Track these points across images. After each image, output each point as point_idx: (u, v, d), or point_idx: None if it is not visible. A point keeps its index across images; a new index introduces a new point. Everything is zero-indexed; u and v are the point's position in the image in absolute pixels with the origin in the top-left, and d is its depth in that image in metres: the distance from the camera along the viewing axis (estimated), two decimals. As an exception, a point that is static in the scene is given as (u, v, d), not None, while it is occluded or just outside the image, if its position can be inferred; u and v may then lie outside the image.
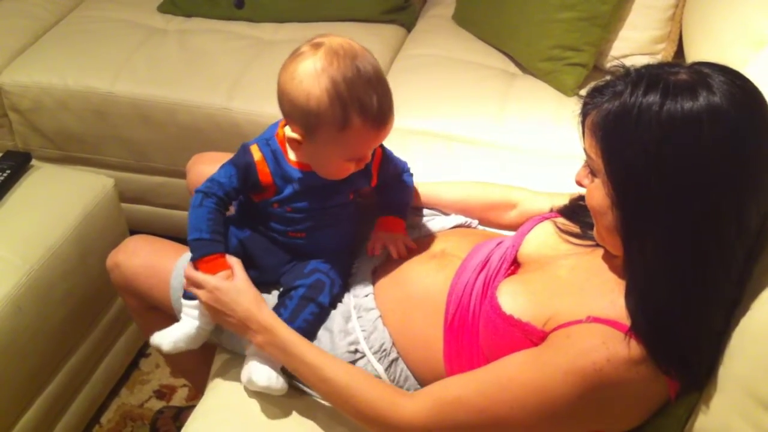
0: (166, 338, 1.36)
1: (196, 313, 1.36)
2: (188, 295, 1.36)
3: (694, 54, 1.80)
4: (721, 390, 1.05)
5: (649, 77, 1.01)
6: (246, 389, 1.35)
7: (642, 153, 0.99)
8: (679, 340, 1.04)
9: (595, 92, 1.07)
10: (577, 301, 1.12)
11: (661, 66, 1.04)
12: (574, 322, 1.09)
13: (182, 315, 1.38)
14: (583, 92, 1.11)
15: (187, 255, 1.41)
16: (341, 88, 1.18)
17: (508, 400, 1.09)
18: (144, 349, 2.13)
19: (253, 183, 1.33)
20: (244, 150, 1.34)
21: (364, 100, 1.20)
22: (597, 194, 1.08)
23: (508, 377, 1.10)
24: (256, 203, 1.37)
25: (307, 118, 1.21)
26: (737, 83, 1.00)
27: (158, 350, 1.39)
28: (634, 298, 1.06)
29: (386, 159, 1.41)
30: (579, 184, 1.13)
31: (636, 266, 1.07)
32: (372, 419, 1.19)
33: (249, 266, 1.36)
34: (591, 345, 1.05)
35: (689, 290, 1.03)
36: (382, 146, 1.39)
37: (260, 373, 1.31)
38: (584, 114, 1.08)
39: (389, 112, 1.25)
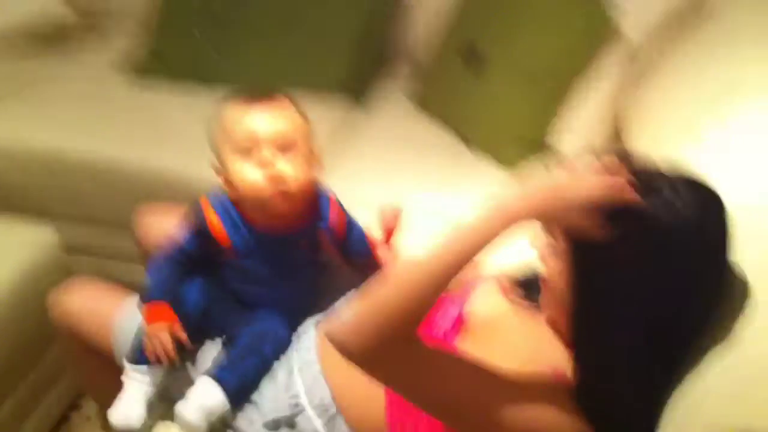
0: (131, 412, 1.35)
1: (145, 378, 1.36)
2: (136, 359, 1.36)
3: (634, 138, 1.86)
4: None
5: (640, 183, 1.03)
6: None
7: (602, 246, 1.03)
8: (616, 414, 1.07)
9: None
10: (536, 359, 1.15)
11: (639, 167, 1.07)
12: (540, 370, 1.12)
13: (128, 382, 1.37)
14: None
15: (133, 300, 1.43)
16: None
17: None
18: (75, 401, 2.08)
19: (211, 244, 1.35)
20: (198, 212, 1.36)
21: (237, 92, 1.33)
22: (558, 275, 1.11)
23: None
24: (212, 257, 1.38)
25: (209, 141, 1.33)
26: (707, 199, 1.05)
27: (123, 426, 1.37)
28: (576, 368, 1.10)
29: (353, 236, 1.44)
30: (542, 261, 1.16)
31: (578, 340, 1.11)
32: None
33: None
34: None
35: (628, 371, 1.06)
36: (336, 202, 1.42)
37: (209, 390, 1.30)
38: None
39: (266, 96, 1.32)
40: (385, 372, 1.11)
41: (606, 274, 1.04)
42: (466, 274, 1.38)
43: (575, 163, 1.08)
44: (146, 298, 1.36)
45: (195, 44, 2.46)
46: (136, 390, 1.36)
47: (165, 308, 1.35)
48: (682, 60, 1.89)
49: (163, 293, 1.36)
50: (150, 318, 1.34)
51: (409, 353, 1.08)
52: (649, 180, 1.03)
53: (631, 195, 1.01)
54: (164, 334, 1.33)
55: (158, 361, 1.35)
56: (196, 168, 2.07)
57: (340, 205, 1.44)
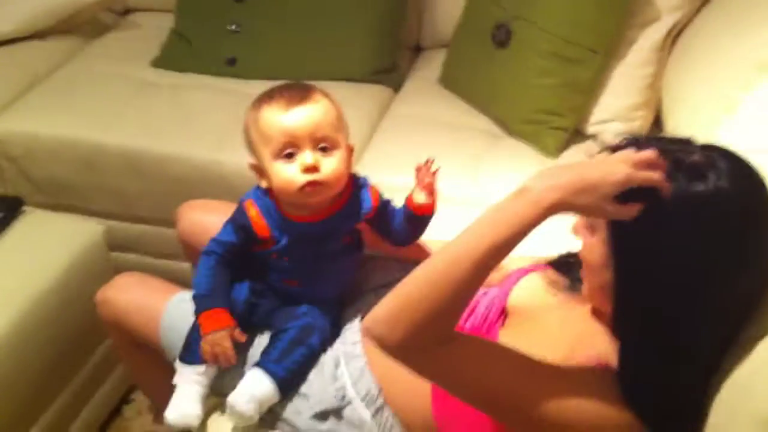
0: (187, 410, 1.37)
1: (197, 377, 1.38)
2: (189, 360, 1.39)
3: (672, 121, 1.87)
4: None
5: (668, 156, 1.03)
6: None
7: (649, 227, 1.03)
8: (660, 402, 1.07)
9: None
10: (581, 348, 1.15)
11: (672, 142, 1.08)
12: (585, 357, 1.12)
13: (181, 382, 1.39)
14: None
15: (180, 295, 1.46)
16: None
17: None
18: (127, 395, 2.12)
19: (252, 238, 1.37)
20: (239, 208, 1.39)
21: (271, 91, 1.34)
22: (594, 251, 1.11)
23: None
24: (255, 254, 1.40)
25: (246, 140, 1.35)
26: (744, 170, 1.04)
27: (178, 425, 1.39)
28: (619, 356, 1.10)
29: (386, 210, 1.43)
30: (575, 234, 1.15)
31: (623, 326, 1.10)
32: None
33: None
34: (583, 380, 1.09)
35: (675, 356, 1.06)
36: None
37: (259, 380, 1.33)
38: None
39: (298, 97, 1.32)
40: (424, 365, 1.11)
41: (647, 251, 1.04)
42: (504, 266, 1.40)
43: (606, 150, 1.08)
44: (202, 306, 1.37)
45: (224, 36, 2.49)
46: (190, 389, 1.38)
47: (222, 314, 1.36)
48: (715, 37, 1.88)
49: (219, 299, 1.38)
50: (209, 326, 1.35)
51: (448, 347, 1.08)
52: (686, 155, 1.03)
53: (660, 179, 1.00)
54: (226, 341, 1.35)
55: (217, 363, 1.38)
56: (232, 160, 2.11)
57: (379, 193, 1.44)
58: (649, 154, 1.01)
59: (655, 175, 1.00)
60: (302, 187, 1.31)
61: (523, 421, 1.10)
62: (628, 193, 1.00)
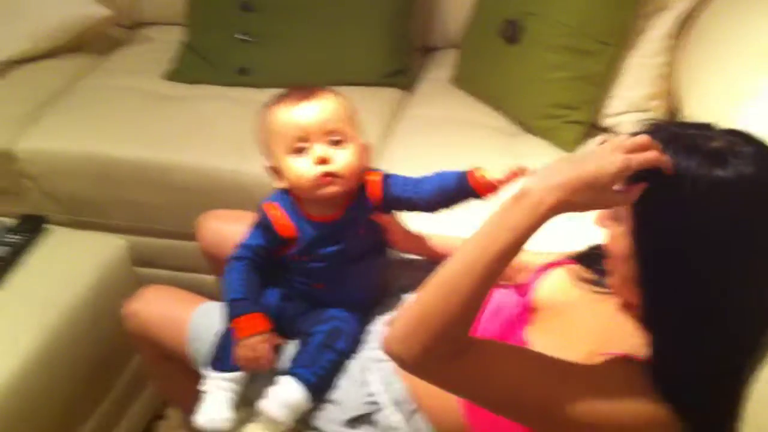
0: (217, 414, 1.37)
1: (228, 384, 1.39)
2: (221, 367, 1.39)
3: (688, 109, 1.86)
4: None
5: (686, 141, 1.03)
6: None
7: (672, 215, 1.02)
8: (696, 393, 1.06)
9: None
10: (608, 343, 1.13)
11: (694, 127, 1.07)
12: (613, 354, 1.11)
13: (212, 389, 1.39)
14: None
15: (205, 305, 1.46)
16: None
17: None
18: (160, 412, 2.11)
19: (276, 239, 1.38)
20: (260, 210, 1.41)
21: (281, 93, 1.39)
22: (619, 242, 1.10)
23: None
24: (278, 259, 1.41)
25: (260, 142, 1.39)
26: (765, 153, 1.03)
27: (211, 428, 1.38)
28: (652, 348, 1.09)
29: (387, 183, 1.42)
30: (599, 225, 1.15)
31: (653, 318, 1.10)
32: None
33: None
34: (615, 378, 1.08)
35: (707, 347, 1.06)
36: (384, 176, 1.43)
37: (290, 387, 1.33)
38: None
39: (308, 94, 1.37)
40: (445, 378, 1.10)
41: (672, 240, 1.03)
42: (529, 262, 1.40)
43: (603, 141, 1.07)
44: (237, 311, 1.37)
45: (235, 46, 2.49)
46: (220, 395, 1.38)
47: (259, 318, 1.36)
48: (728, 21, 1.87)
49: (254, 303, 1.38)
50: (246, 330, 1.35)
51: (466, 357, 1.07)
52: (707, 141, 1.03)
53: (656, 156, 1.00)
54: (262, 346, 1.35)
55: (253, 367, 1.38)
56: (249, 169, 2.12)
57: (381, 177, 1.43)
58: (641, 138, 1.01)
59: (650, 155, 1.00)
60: (316, 179, 1.33)
61: (555, 424, 1.08)
62: (633, 179, 1.01)
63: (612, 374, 1.09)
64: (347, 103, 1.39)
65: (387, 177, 1.43)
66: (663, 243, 1.04)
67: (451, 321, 1.03)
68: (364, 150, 1.40)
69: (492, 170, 1.35)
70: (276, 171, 1.39)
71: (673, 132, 1.06)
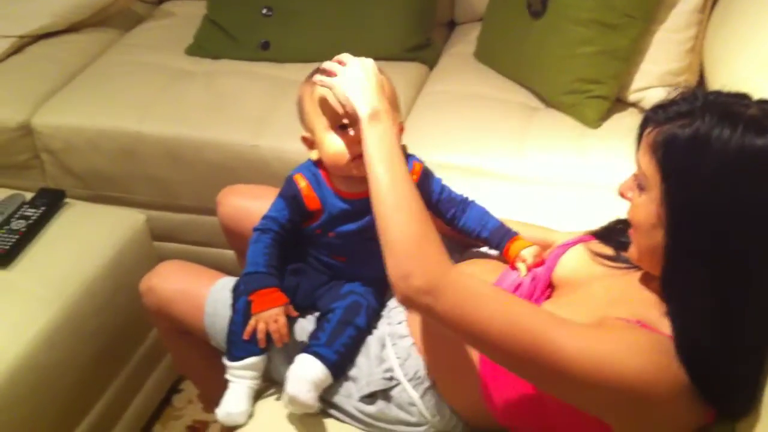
0: (236, 408, 1.38)
1: (246, 372, 1.38)
2: (236, 355, 1.39)
3: (716, 84, 1.82)
4: (763, 421, 1.04)
5: (722, 108, 1.01)
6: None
7: (707, 182, 1.00)
8: (719, 368, 1.04)
9: (659, 109, 1.07)
10: (622, 310, 1.11)
11: (729, 96, 1.05)
12: (624, 319, 1.09)
13: (232, 379, 1.40)
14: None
15: (223, 281, 1.45)
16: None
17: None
18: (176, 385, 2.13)
19: (302, 210, 1.37)
20: (289, 181, 1.40)
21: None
22: (644, 210, 1.08)
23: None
24: (301, 231, 1.40)
25: (299, 110, 1.38)
26: None
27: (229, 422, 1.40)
28: (672, 322, 1.06)
29: (425, 181, 1.42)
30: (622, 195, 1.13)
31: (675, 289, 1.07)
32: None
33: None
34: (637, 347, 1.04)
35: (730, 320, 1.03)
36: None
37: (312, 366, 1.32)
38: (643, 127, 1.08)
39: None
40: (443, 304, 1.07)
41: (707, 207, 1.01)
42: (552, 241, 1.38)
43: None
44: (256, 284, 1.36)
45: (257, 21, 2.48)
46: (239, 386, 1.39)
47: (276, 293, 1.36)
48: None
49: (274, 277, 1.37)
50: (264, 304, 1.34)
51: (455, 281, 1.08)
52: (744, 108, 1.01)
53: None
54: (281, 318, 1.34)
55: (268, 342, 1.37)
56: (271, 144, 2.11)
57: (423, 167, 1.43)
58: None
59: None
60: (353, 159, 1.31)
61: (551, 372, 1.04)
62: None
63: (622, 332, 1.06)
64: (392, 85, 1.38)
65: (427, 174, 1.43)
66: (697, 211, 1.02)
67: (417, 235, 1.12)
68: (401, 132, 1.38)
69: (527, 252, 1.37)
70: (311, 143, 1.38)
71: (708, 100, 1.04)
